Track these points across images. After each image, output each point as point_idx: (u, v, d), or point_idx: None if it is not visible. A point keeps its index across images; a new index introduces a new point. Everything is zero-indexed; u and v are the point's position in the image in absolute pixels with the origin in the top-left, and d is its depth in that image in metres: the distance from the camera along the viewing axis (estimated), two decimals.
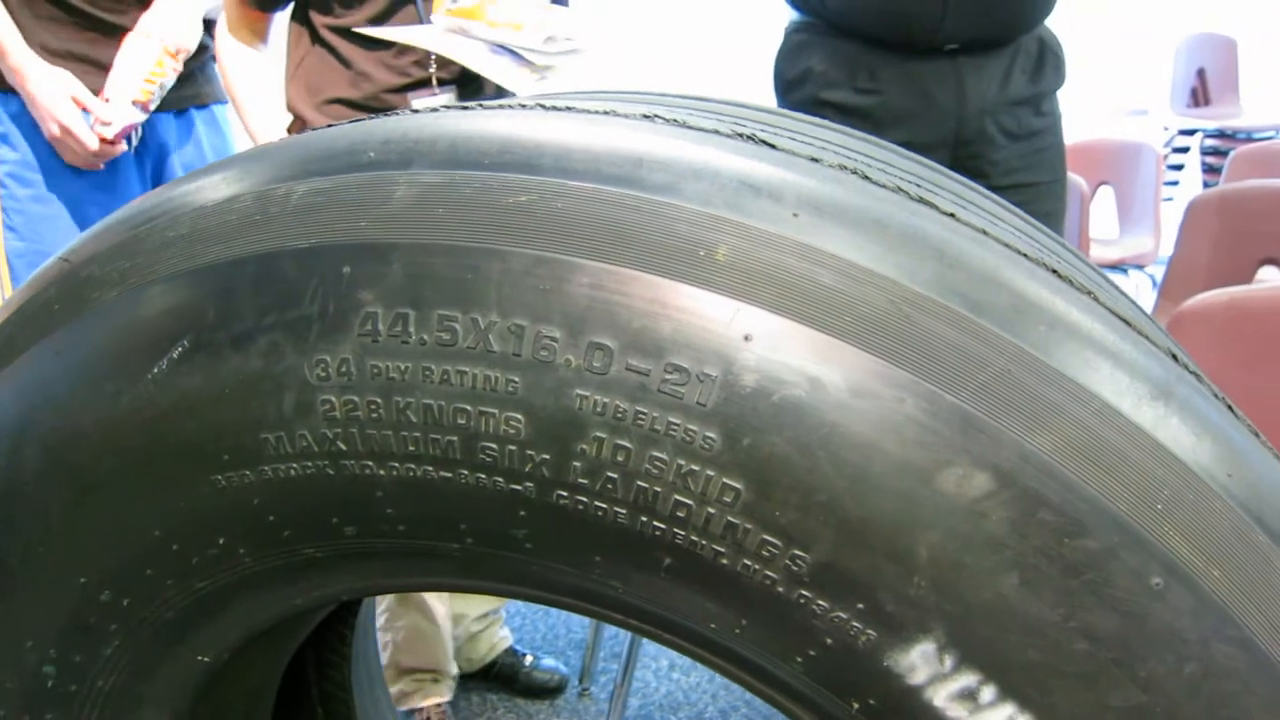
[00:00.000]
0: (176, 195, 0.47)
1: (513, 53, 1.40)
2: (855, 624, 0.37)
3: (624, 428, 0.37)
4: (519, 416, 0.38)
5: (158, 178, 1.59)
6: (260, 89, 1.38)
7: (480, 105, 0.47)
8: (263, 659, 0.64)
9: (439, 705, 1.54)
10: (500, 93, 1.51)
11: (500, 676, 1.69)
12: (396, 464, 0.41)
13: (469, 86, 1.44)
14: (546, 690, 1.67)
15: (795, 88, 1.57)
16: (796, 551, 0.36)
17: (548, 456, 0.38)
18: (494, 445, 0.39)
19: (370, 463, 0.41)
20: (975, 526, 0.34)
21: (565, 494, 0.38)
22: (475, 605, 1.64)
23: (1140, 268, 2.74)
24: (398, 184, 0.41)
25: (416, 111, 0.46)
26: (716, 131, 0.42)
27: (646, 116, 0.43)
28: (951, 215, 0.40)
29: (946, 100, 1.48)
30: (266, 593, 0.51)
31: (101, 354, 0.46)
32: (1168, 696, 0.35)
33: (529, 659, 1.71)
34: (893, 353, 0.35)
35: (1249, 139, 3.62)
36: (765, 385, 0.35)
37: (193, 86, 1.60)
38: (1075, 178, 2.14)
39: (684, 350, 0.36)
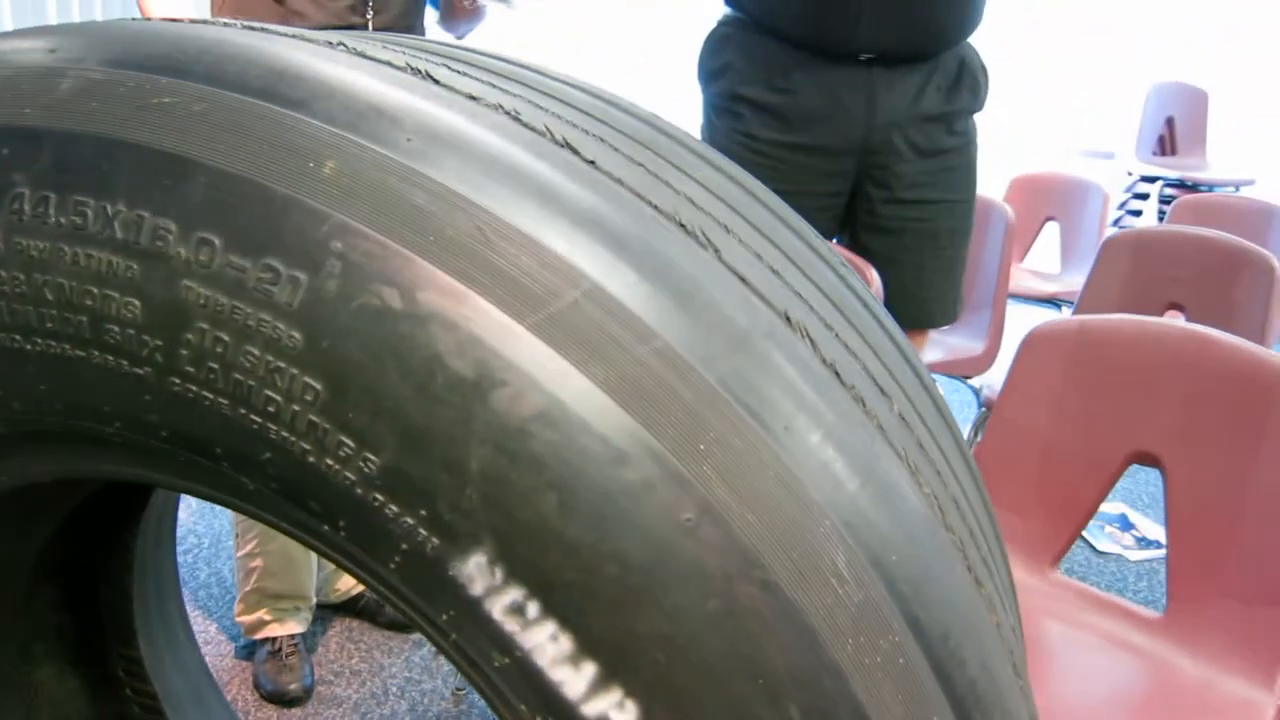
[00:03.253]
0: None
1: None
2: (421, 530, 0.39)
3: (223, 320, 0.39)
4: (136, 302, 0.40)
5: None
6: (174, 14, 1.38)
7: (185, 20, 0.49)
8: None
9: (293, 637, 1.56)
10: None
11: (364, 611, 1.71)
12: (40, 339, 0.43)
13: (403, 28, 1.46)
14: (408, 627, 1.69)
15: (715, 79, 1.60)
16: (368, 454, 0.38)
17: (160, 343, 0.40)
18: (117, 327, 0.40)
19: (19, 336, 0.43)
20: (521, 445, 0.37)
21: (178, 380, 0.40)
22: None
23: (1073, 304, 2.78)
24: (66, 76, 0.42)
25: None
26: (389, 64, 0.44)
27: (331, 44, 0.45)
28: (592, 163, 0.42)
29: (856, 108, 1.51)
30: None
31: None
32: (691, 628, 0.37)
33: None
34: (467, 275, 0.37)
35: (1210, 191, 3.66)
36: (347, 292, 0.37)
37: None
38: (1002, 205, 2.17)
39: (278, 252, 0.38)
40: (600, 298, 0.37)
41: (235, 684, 1.56)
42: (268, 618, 1.56)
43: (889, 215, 1.59)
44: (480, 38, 1.63)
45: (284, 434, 0.39)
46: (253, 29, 0.46)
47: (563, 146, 0.42)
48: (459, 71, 0.46)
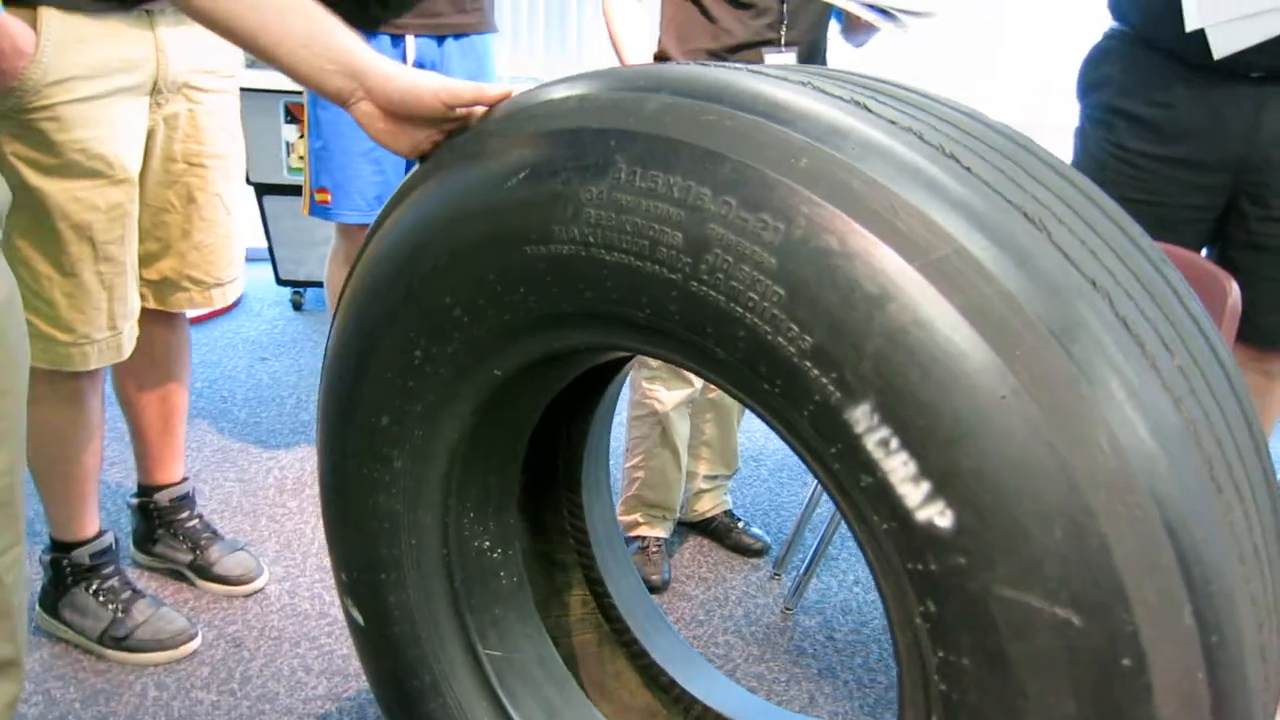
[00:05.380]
0: (539, 91, 0.82)
1: (881, 10, 1.65)
2: (830, 387, 0.64)
3: (731, 248, 0.66)
4: (679, 234, 0.68)
5: None
6: (637, 35, 1.73)
7: (723, 65, 0.77)
8: (528, 391, 0.99)
9: (659, 539, 1.91)
10: (825, 60, 1.78)
11: (715, 532, 2.03)
12: (617, 253, 0.72)
13: (809, 47, 1.73)
14: (751, 551, 1.99)
15: (1092, 90, 1.69)
16: (806, 335, 0.64)
17: (690, 260, 0.68)
18: (664, 249, 0.69)
19: (603, 250, 0.73)
20: (902, 339, 0.60)
21: (695, 283, 0.68)
22: (704, 467, 1.99)
23: None
24: (650, 101, 0.72)
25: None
26: (839, 97, 0.69)
27: (804, 83, 0.71)
28: (968, 169, 0.64)
29: (1238, 125, 1.54)
30: (537, 332, 0.85)
31: (485, 172, 0.81)
32: (994, 466, 0.58)
33: (741, 524, 2.03)
34: (880, 233, 0.61)
35: None
36: (806, 237, 0.63)
37: (450, 17, 1.89)
38: None
39: (769, 211, 0.64)
40: (963, 254, 0.60)
41: None
42: (641, 520, 1.92)
43: (1264, 233, 1.60)
44: (877, 46, 1.85)
45: (756, 320, 0.66)
46: (755, 72, 0.73)
47: (949, 157, 0.65)
48: (884, 103, 0.70)
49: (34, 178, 1.34)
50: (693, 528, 2.07)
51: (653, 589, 1.87)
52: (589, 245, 0.74)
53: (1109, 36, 1.70)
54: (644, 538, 1.92)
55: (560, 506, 1.29)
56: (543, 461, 1.30)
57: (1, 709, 0.89)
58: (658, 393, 1.81)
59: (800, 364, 0.65)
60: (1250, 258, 1.62)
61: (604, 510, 1.28)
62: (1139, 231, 0.78)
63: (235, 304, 3.47)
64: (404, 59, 1.83)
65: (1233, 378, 0.75)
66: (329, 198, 1.92)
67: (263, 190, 3.25)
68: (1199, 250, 1.70)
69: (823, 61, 1.78)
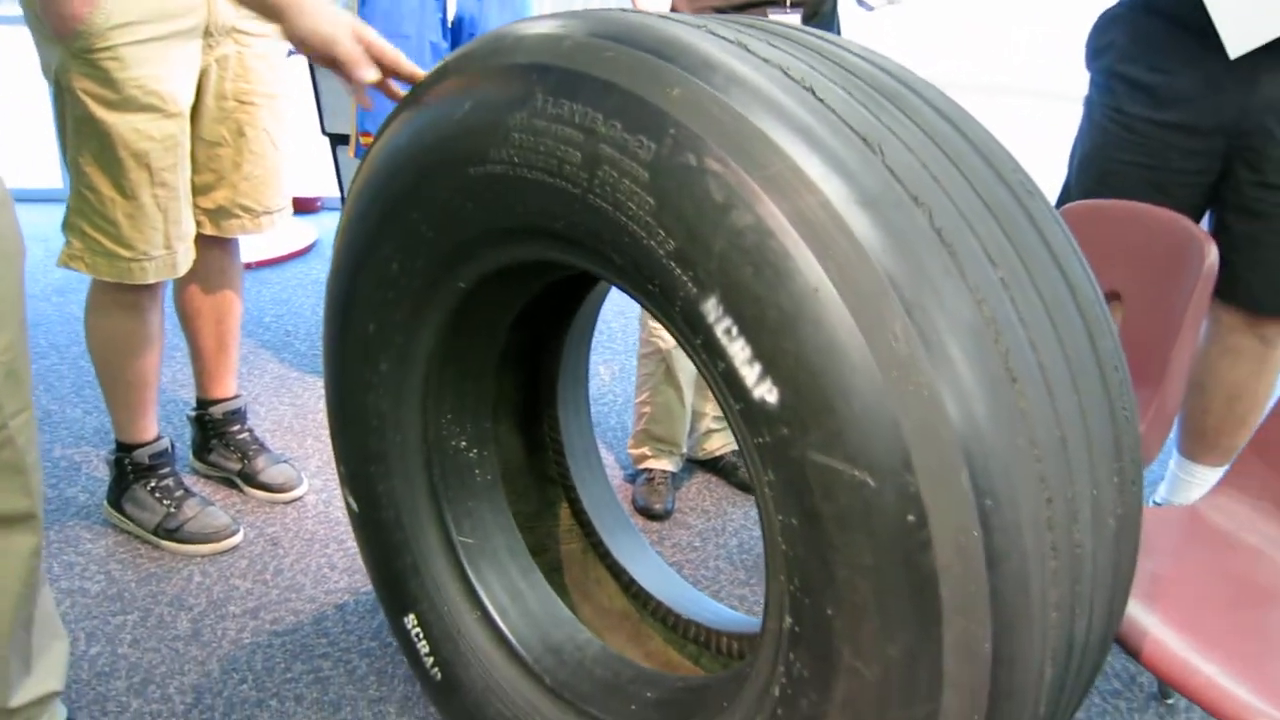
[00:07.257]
0: (493, 33, 0.94)
1: None
2: (689, 284, 0.75)
3: (616, 164, 0.77)
4: (578, 153, 0.80)
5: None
6: None
7: (638, 11, 0.87)
8: (492, 303, 1.12)
9: (665, 472, 2.03)
10: (833, 21, 1.85)
11: (722, 470, 2.15)
12: (534, 171, 0.85)
13: (813, 6, 1.80)
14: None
15: (1099, 55, 1.73)
16: (670, 240, 0.75)
17: (586, 175, 0.80)
18: (569, 166, 0.81)
19: (525, 169, 0.85)
20: (741, 240, 0.71)
21: (592, 196, 0.80)
22: (713, 407, 2.10)
23: None
24: (566, 38, 0.83)
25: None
26: (724, 37, 0.79)
27: (699, 26, 0.81)
28: (821, 100, 0.74)
29: (1234, 90, 1.57)
30: (486, 246, 0.98)
31: (441, 104, 0.94)
32: (808, 349, 0.69)
33: None
34: (729, 151, 0.71)
35: None
36: (672, 154, 0.74)
37: None
38: None
39: (644, 132, 0.75)
40: (794, 169, 0.70)
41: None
42: (649, 453, 2.05)
43: (1256, 198, 1.63)
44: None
45: (634, 227, 0.77)
46: (663, 18, 0.84)
47: (806, 89, 0.75)
48: (767, 43, 0.80)
49: (99, 110, 1.52)
50: (702, 465, 2.19)
51: (655, 517, 2.00)
52: (515, 165, 0.86)
53: (1119, 4, 1.73)
54: (651, 470, 2.04)
55: (542, 421, 1.43)
56: (530, 383, 1.43)
57: (25, 558, 1.03)
58: (661, 331, 1.93)
59: (667, 264, 0.76)
60: (1244, 222, 1.65)
61: (581, 427, 1.41)
62: (1012, 167, 0.86)
63: (308, 248, 3.69)
64: (444, 9, 1.96)
65: (1079, 296, 0.83)
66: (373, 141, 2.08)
67: (336, 140, 3.45)
68: (1198, 214, 1.73)
69: (830, 22, 1.85)
